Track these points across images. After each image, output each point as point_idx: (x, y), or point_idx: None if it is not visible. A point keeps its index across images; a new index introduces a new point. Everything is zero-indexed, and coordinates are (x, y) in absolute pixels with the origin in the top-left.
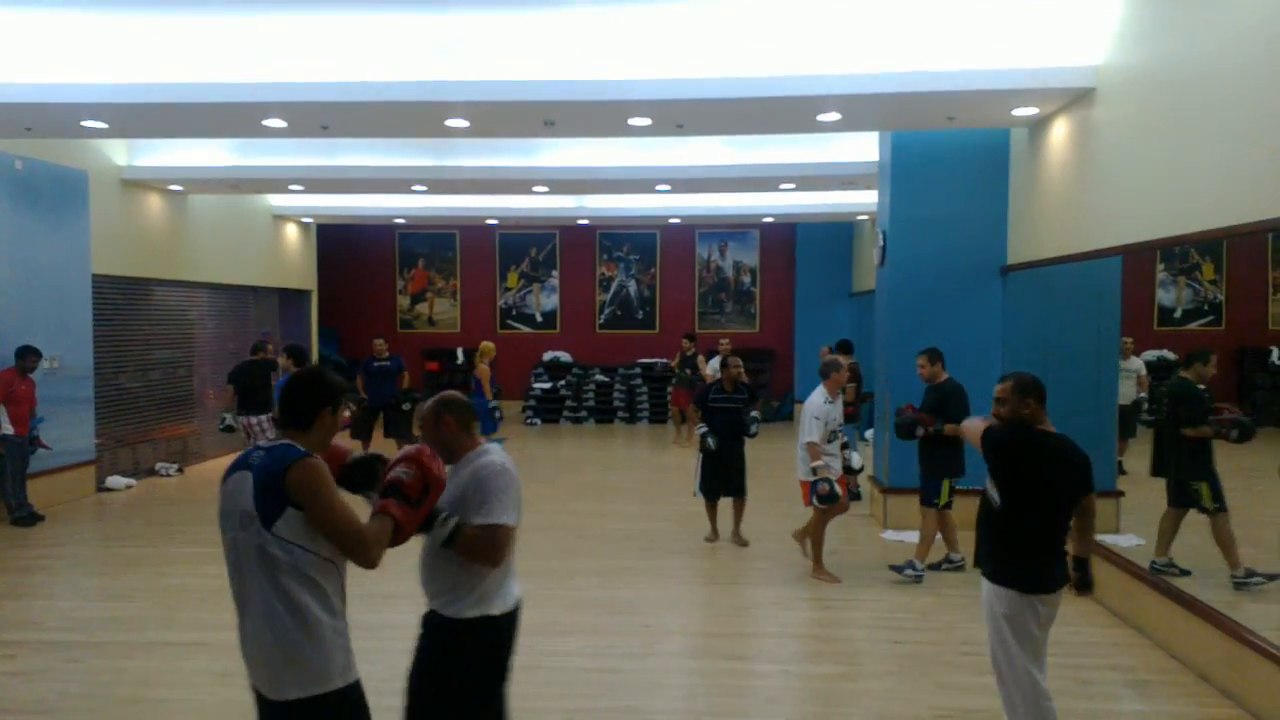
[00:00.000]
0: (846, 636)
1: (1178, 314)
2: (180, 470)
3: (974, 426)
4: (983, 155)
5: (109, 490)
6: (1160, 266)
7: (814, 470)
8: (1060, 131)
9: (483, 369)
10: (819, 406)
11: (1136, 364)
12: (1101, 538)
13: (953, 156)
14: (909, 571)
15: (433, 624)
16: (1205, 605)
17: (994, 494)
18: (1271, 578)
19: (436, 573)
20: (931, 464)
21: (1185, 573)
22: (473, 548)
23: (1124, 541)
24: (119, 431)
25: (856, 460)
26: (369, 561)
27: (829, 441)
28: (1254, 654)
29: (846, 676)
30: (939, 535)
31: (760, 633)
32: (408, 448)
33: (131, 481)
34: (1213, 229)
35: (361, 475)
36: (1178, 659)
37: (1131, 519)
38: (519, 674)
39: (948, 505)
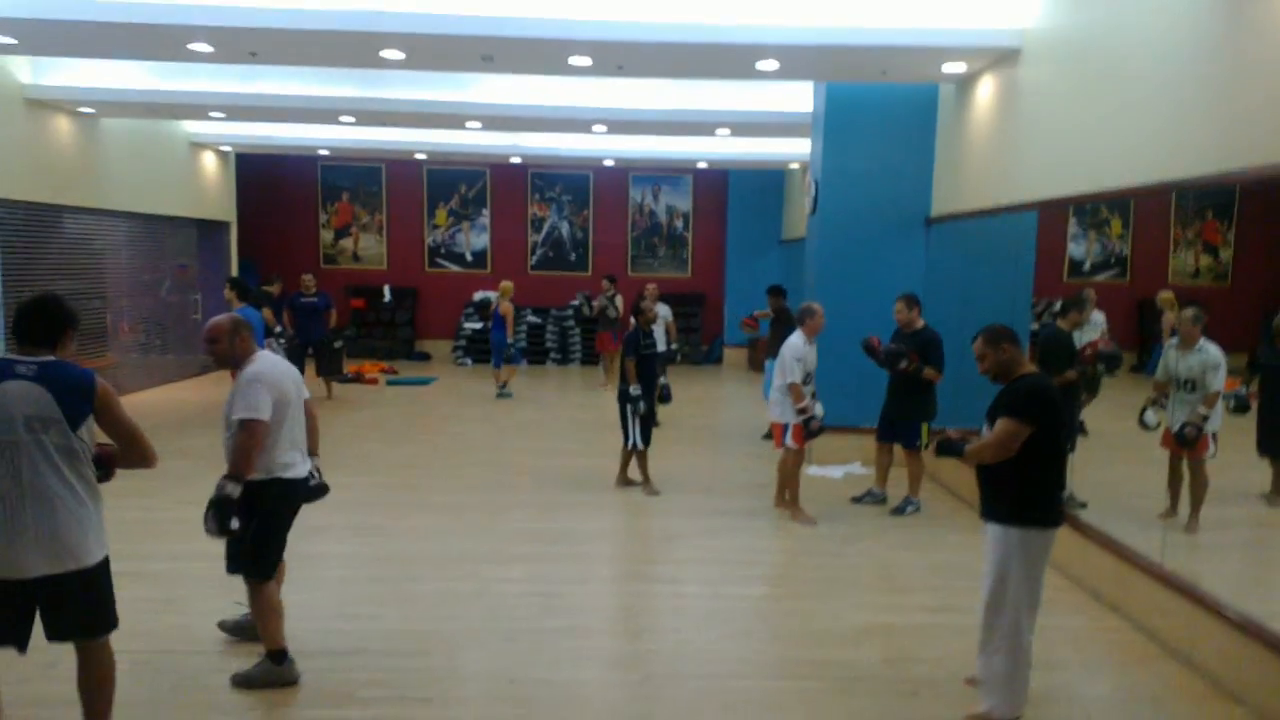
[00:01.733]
0: (773, 562)
1: (1086, 267)
2: None
3: (1003, 429)
4: (912, 109)
5: None
6: (1072, 221)
7: (800, 410)
8: (986, 89)
9: (505, 306)
10: (799, 348)
11: (1099, 319)
12: None
13: (884, 109)
14: (910, 509)
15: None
16: (1097, 531)
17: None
18: (1083, 503)
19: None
20: (909, 408)
21: (1083, 505)
22: (238, 446)
23: None
24: None
25: (819, 410)
26: (148, 464)
27: (806, 383)
28: (1138, 572)
29: (774, 597)
30: (866, 469)
31: (692, 558)
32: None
33: None
34: (1120, 188)
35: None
36: (1072, 579)
37: None
38: (465, 600)
39: (926, 446)
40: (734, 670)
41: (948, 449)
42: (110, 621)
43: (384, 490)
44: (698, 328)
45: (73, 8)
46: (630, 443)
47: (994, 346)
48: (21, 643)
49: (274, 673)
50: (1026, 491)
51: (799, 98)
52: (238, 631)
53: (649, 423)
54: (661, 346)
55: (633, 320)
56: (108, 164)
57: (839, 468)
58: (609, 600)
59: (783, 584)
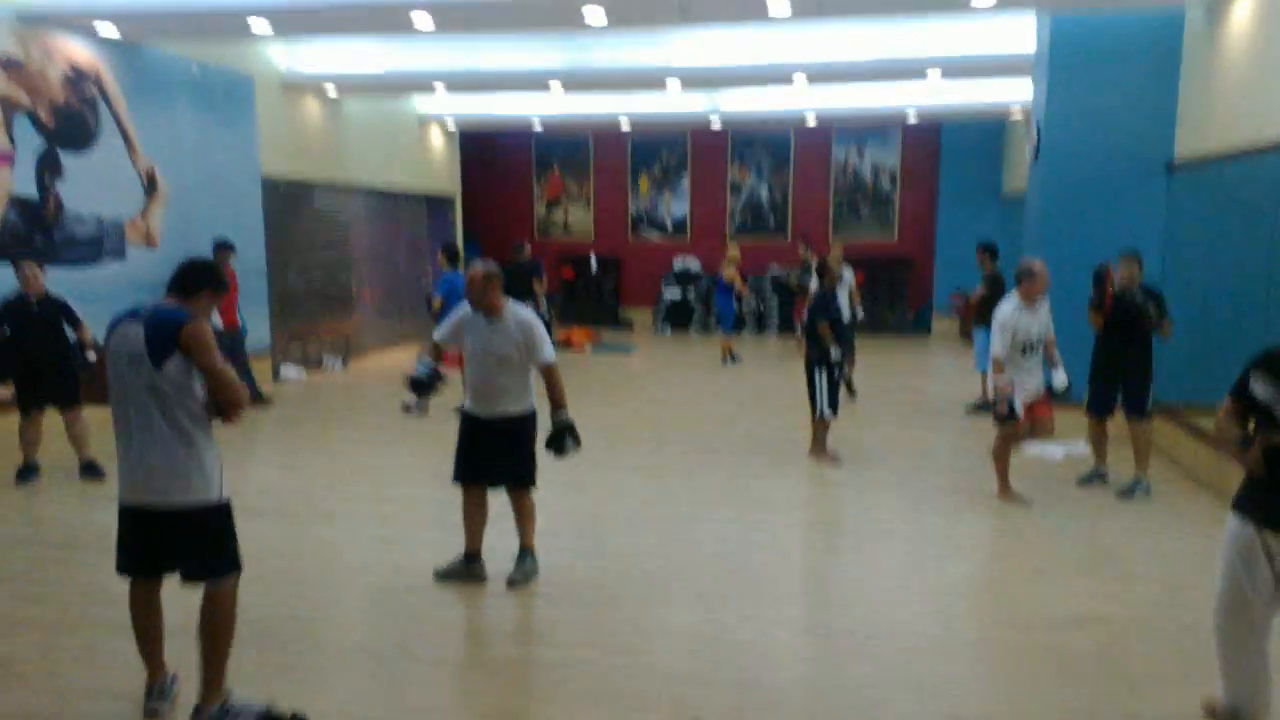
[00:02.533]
0: (979, 542)
1: None
2: (345, 363)
3: None
4: (1151, 40)
5: (283, 380)
6: None
7: (996, 387)
8: (1244, 8)
9: (731, 273)
10: (1008, 315)
11: None
12: None
13: (1118, 42)
14: (1140, 491)
15: (508, 422)
16: None
17: None
18: None
19: (505, 393)
20: (1140, 370)
21: None
22: (558, 384)
23: None
24: (289, 326)
25: (1060, 380)
26: (232, 410)
27: (1025, 354)
28: None
29: (977, 578)
30: (1088, 447)
31: (890, 532)
32: None
33: (303, 372)
34: None
35: (424, 386)
36: None
37: None
38: (657, 556)
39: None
40: (928, 647)
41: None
42: (217, 567)
43: (586, 448)
44: (903, 294)
45: None
46: (819, 412)
47: None
48: (154, 569)
49: (536, 562)
50: None
51: (1020, 34)
52: (453, 576)
53: (837, 390)
54: (846, 314)
55: (816, 283)
56: (350, 142)
57: (1060, 446)
58: (800, 567)
59: (989, 565)
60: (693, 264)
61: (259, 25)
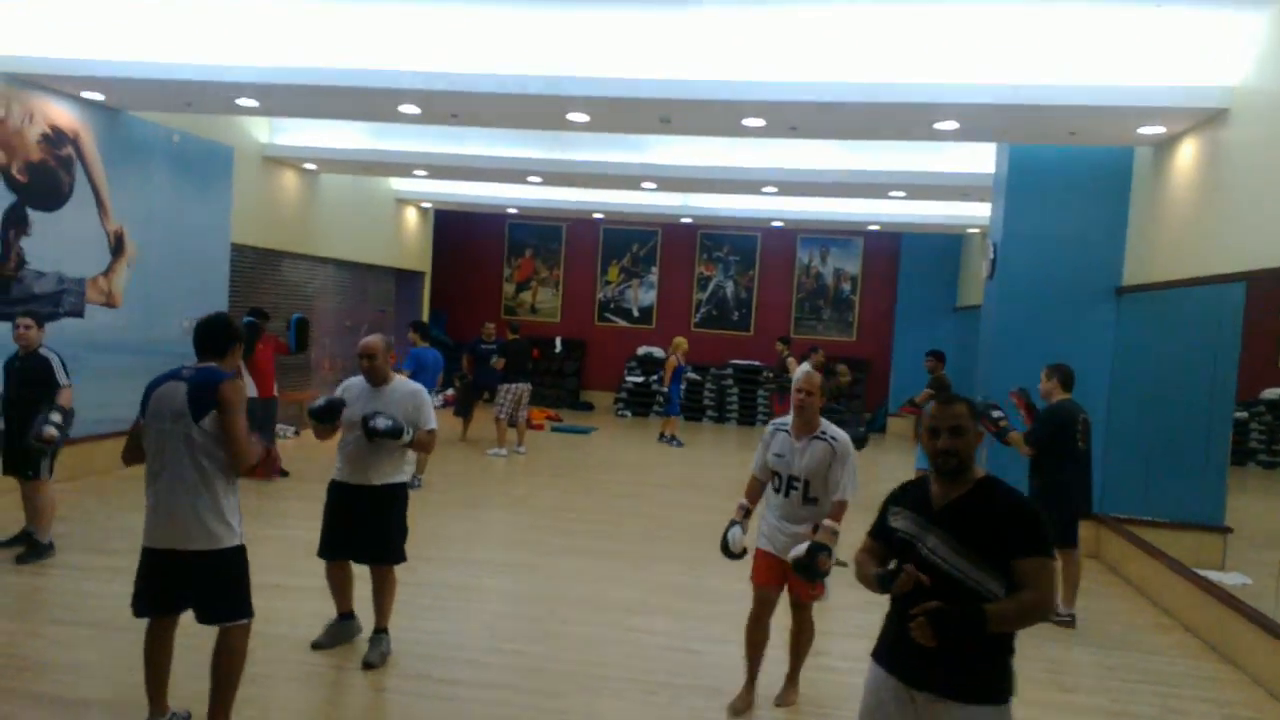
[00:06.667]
0: None
1: None
2: (297, 433)
3: (1049, 575)
4: (1104, 172)
5: None
6: None
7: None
8: (1188, 152)
9: (672, 360)
10: (770, 425)
11: None
12: (1205, 573)
13: (1072, 172)
14: (1054, 618)
15: (379, 491)
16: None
17: (966, 569)
18: None
19: (375, 463)
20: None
21: None
22: (425, 444)
23: (1229, 579)
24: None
25: (795, 550)
26: (239, 469)
27: (776, 489)
28: None
29: None
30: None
31: (842, 632)
32: None
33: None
34: None
35: (327, 413)
36: (1277, 699)
37: (1239, 557)
38: (607, 646)
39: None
40: None
41: (955, 625)
42: (232, 611)
43: (539, 531)
44: (860, 394)
45: (305, 74)
46: None
47: (975, 423)
48: (170, 608)
49: (389, 642)
50: (994, 648)
51: (979, 159)
52: (326, 643)
53: None
54: None
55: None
56: (325, 215)
57: None
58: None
59: None
60: (656, 352)
61: (247, 102)
